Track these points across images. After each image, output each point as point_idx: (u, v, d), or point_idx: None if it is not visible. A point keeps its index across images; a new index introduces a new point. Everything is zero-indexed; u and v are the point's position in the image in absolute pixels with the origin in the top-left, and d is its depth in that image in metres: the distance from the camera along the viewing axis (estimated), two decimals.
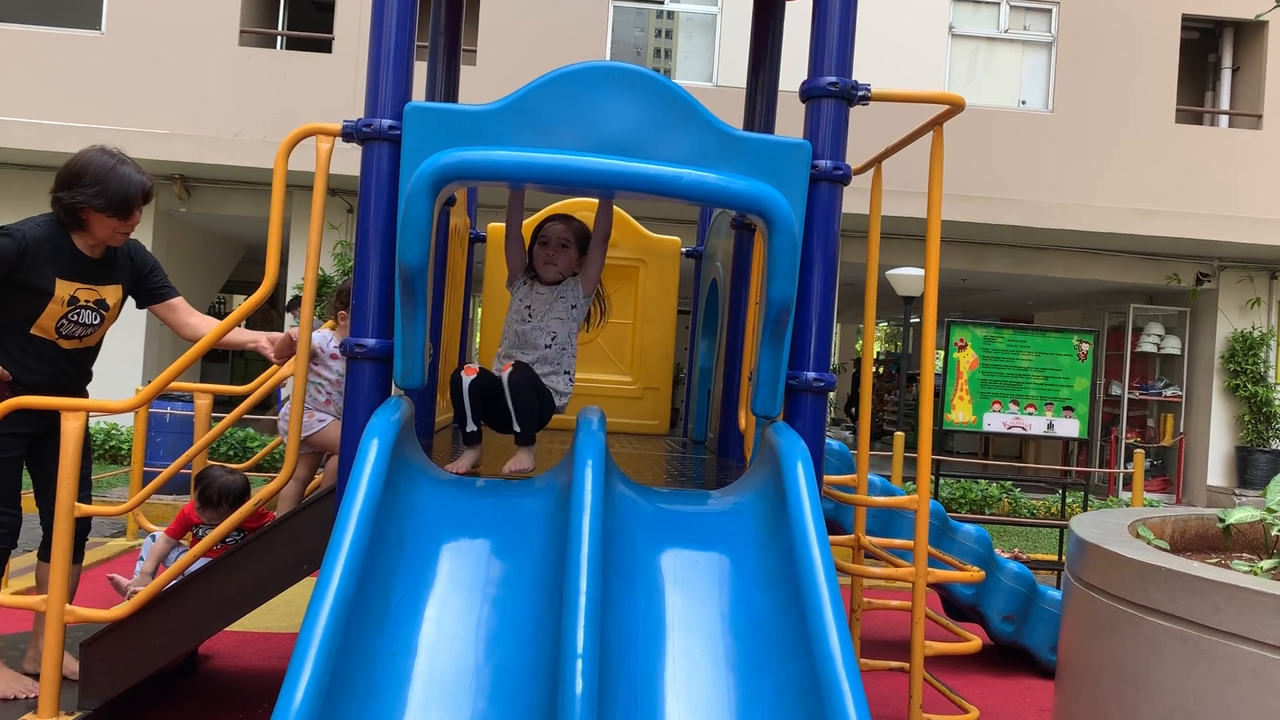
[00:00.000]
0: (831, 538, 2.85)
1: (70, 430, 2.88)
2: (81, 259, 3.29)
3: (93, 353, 3.47)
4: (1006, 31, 12.02)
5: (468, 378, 2.82)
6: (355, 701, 1.92)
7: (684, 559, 2.32)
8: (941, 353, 9.03)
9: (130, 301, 3.54)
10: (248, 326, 4.30)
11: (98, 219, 3.23)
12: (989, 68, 12.25)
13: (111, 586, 4.25)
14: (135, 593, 3.18)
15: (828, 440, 3.61)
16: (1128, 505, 9.02)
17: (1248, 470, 12.30)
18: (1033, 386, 7.11)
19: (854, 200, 3.12)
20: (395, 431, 2.32)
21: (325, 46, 11.36)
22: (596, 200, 3.06)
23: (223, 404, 10.11)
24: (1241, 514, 2.81)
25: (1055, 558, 7.32)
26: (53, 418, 3.05)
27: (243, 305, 2.91)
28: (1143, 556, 2.21)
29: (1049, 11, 12.00)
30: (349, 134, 2.66)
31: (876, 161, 3.35)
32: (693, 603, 2.22)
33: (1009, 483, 10.85)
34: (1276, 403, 12.42)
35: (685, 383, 5.12)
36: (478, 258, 4.54)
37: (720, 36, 11.72)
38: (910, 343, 13.96)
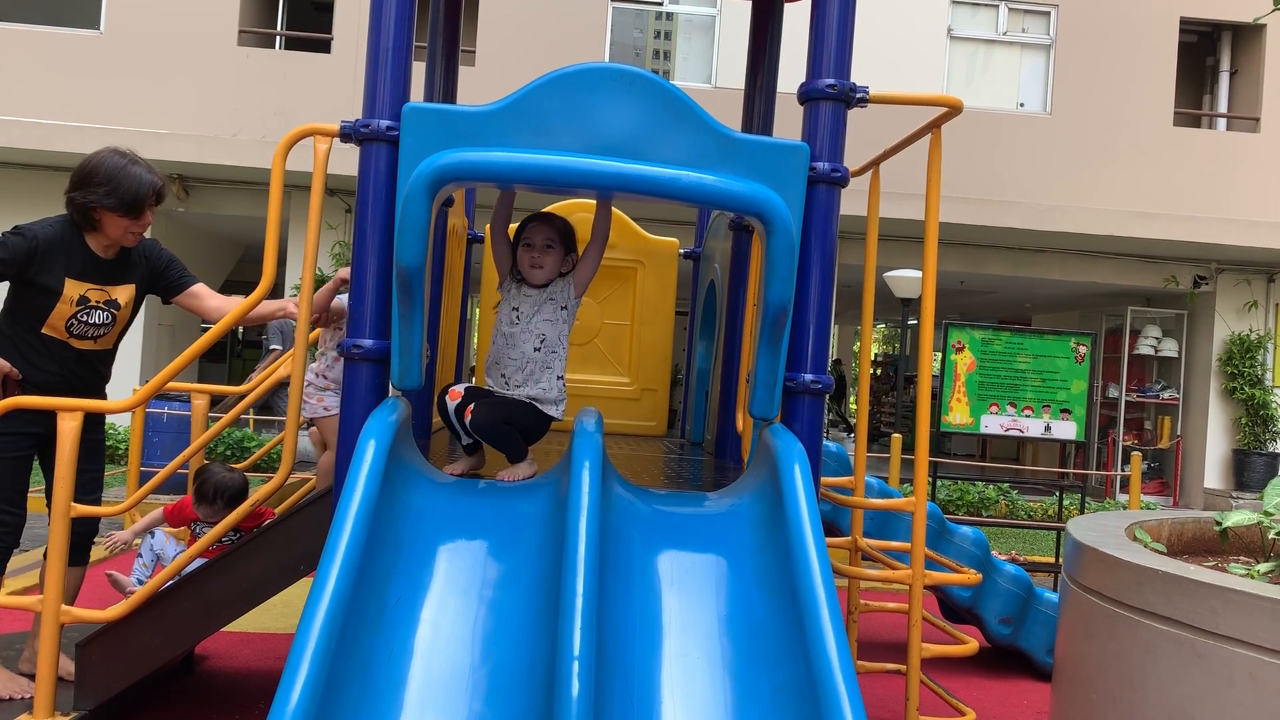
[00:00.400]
0: (829, 540, 2.86)
1: (66, 430, 2.88)
2: (94, 259, 3.31)
3: (108, 355, 3.47)
4: (1005, 34, 12.03)
5: (452, 403, 2.79)
6: (351, 702, 1.92)
7: (681, 561, 2.32)
8: (939, 355, 9.04)
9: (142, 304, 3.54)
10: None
11: (110, 219, 3.25)
12: (987, 70, 12.25)
13: (110, 584, 4.24)
14: (133, 591, 3.17)
15: (825, 442, 3.61)
16: (1125, 508, 9.02)
17: (1245, 473, 12.31)
18: (1030, 389, 7.12)
19: (852, 202, 3.11)
20: (392, 433, 2.32)
21: (324, 47, 11.35)
22: (594, 201, 3.05)
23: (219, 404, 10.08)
24: (1238, 517, 2.80)
25: (1052, 560, 7.31)
26: None
27: (242, 305, 2.90)
28: (1139, 559, 2.21)
29: (1048, 14, 12.00)
30: (347, 134, 2.65)
31: (874, 164, 3.35)
32: (689, 605, 2.22)
33: (1006, 485, 10.84)
34: (1273, 405, 12.44)
35: (683, 384, 5.12)
36: (475, 258, 4.55)
37: (719, 38, 11.72)
38: (908, 345, 13.98)
